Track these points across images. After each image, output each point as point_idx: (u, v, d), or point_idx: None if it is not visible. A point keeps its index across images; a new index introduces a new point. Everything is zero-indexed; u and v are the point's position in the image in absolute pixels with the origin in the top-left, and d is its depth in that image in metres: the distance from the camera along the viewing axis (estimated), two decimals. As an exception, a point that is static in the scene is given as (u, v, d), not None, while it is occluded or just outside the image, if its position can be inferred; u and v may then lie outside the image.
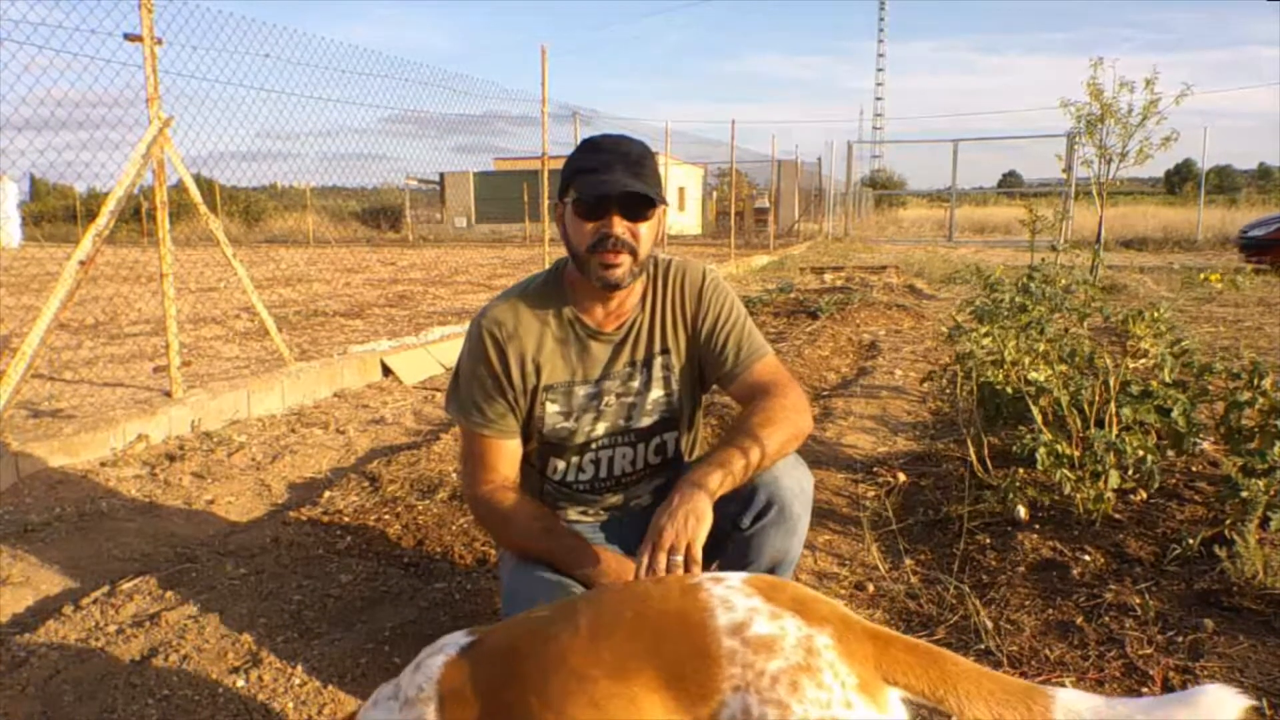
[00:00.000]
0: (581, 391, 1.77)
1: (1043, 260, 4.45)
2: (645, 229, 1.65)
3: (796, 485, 1.69)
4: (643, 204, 1.62)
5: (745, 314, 1.84)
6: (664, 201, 1.66)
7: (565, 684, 1.05)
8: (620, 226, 1.61)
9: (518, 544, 1.70)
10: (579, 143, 1.72)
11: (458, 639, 1.21)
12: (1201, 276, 3.50)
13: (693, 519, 1.41)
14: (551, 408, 1.76)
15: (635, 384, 1.79)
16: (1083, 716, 0.98)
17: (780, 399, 1.68)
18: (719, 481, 1.49)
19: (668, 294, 1.80)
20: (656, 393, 1.81)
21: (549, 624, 1.15)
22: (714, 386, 1.89)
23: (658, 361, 1.80)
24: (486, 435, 1.74)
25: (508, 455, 1.76)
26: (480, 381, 1.73)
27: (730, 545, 1.71)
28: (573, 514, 1.88)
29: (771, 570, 1.74)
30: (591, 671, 1.04)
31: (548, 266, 1.87)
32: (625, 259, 1.63)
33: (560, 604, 1.25)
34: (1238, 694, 0.96)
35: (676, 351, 1.81)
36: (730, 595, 1.06)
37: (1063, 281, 3.90)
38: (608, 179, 1.59)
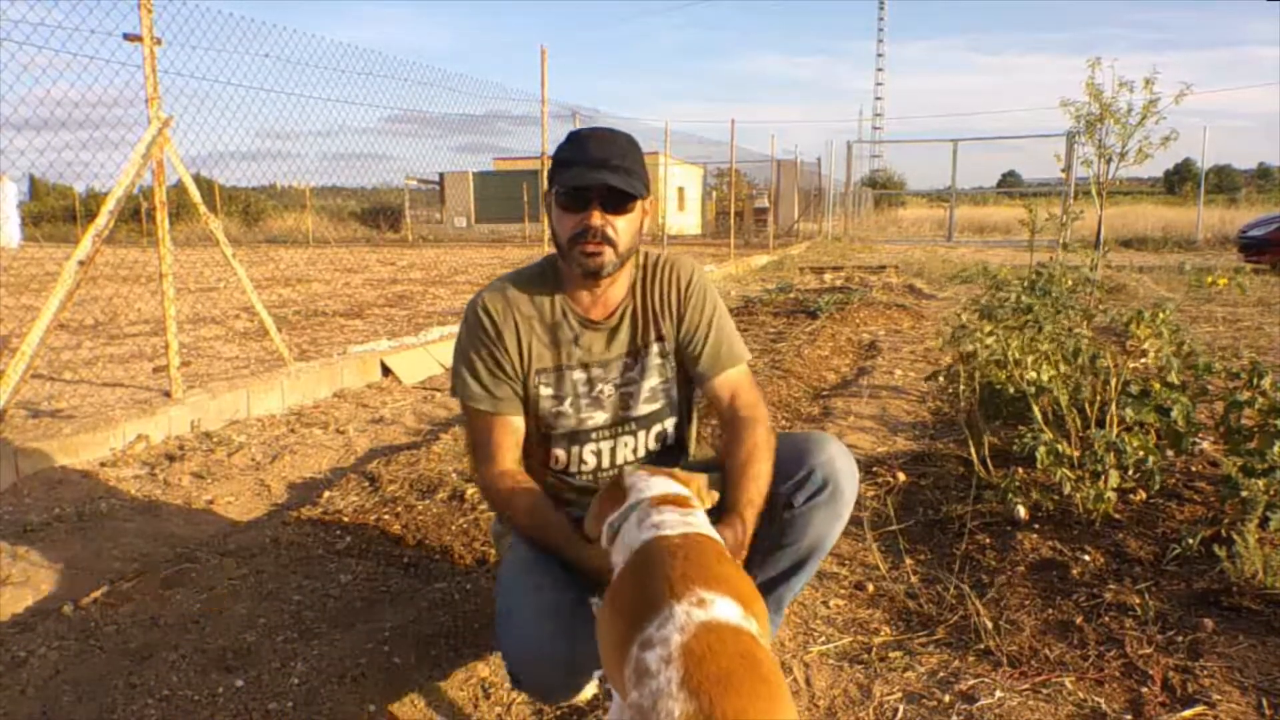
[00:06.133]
0: (572, 376, 1.79)
1: (1050, 259, 4.46)
2: (625, 221, 1.67)
3: (849, 469, 1.74)
4: (622, 197, 1.65)
5: (727, 316, 1.88)
6: (643, 195, 1.67)
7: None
8: (599, 219, 1.64)
9: (518, 526, 1.72)
10: (567, 135, 1.73)
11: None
12: (1210, 280, 3.50)
13: None
14: (545, 391, 1.78)
15: (631, 373, 1.81)
16: None
17: (755, 433, 1.72)
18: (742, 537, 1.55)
19: (657, 284, 1.83)
20: (653, 380, 1.83)
21: None
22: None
23: (653, 349, 1.82)
24: (485, 411, 1.76)
25: (510, 433, 1.77)
26: (480, 359, 1.75)
27: (773, 525, 1.71)
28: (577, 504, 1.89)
29: (809, 555, 1.74)
30: None
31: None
32: (606, 249, 1.66)
33: None
34: None
35: (670, 339, 1.83)
36: None
37: (1068, 282, 3.90)
38: (586, 172, 1.62)
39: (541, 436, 1.83)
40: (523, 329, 1.76)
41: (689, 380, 1.90)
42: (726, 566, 1.23)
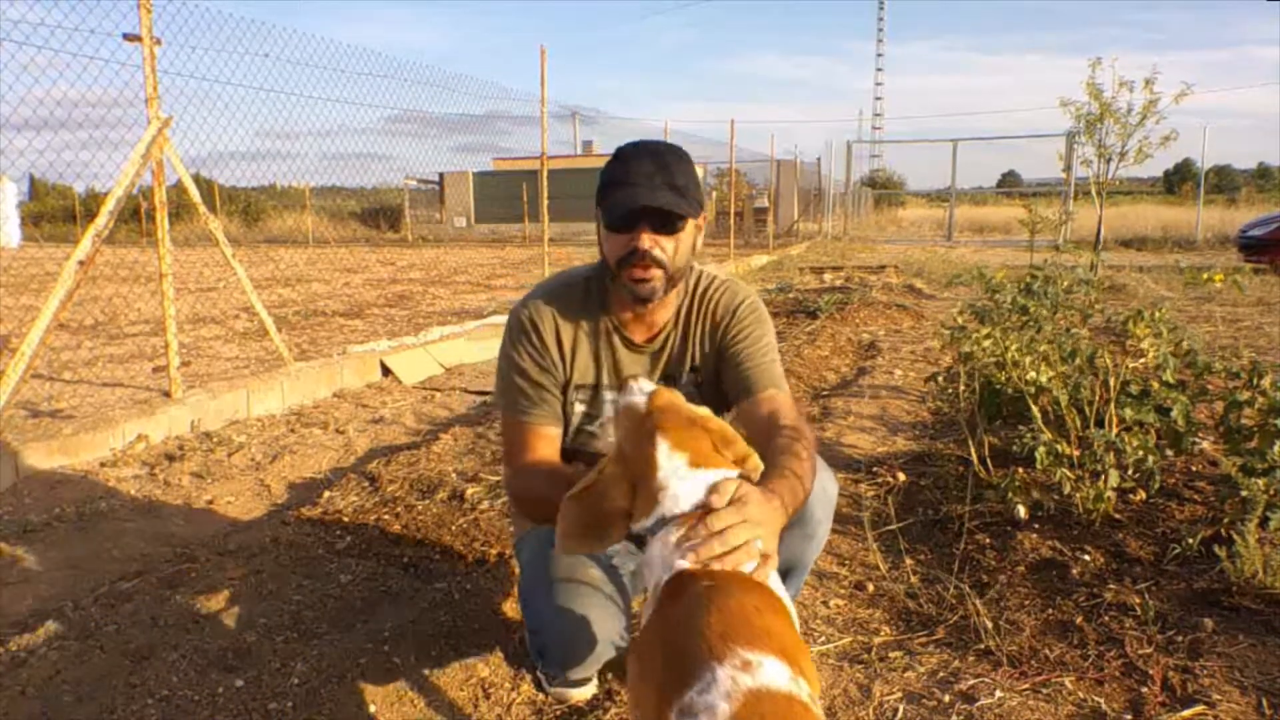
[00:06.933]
0: (608, 397, 1.75)
1: (1045, 260, 4.46)
2: (674, 242, 1.60)
3: (820, 490, 1.65)
4: (671, 216, 1.57)
5: (774, 345, 1.80)
6: (693, 214, 1.59)
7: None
8: (648, 240, 1.56)
9: (540, 504, 1.57)
10: (614, 151, 1.65)
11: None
12: (1205, 277, 3.49)
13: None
14: (579, 408, 1.76)
15: None
16: None
17: (801, 444, 1.50)
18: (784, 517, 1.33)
19: (703, 310, 1.77)
20: None
21: None
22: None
23: (686, 379, 1.78)
24: (524, 420, 1.71)
25: (546, 441, 1.71)
26: (521, 367, 1.71)
27: None
28: None
29: (785, 573, 1.73)
30: None
31: (574, 265, 1.85)
32: (656, 273, 1.59)
33: None
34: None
35: (705, 369, 1.79)
36: None
37: (1065, 282, 3.91)
38: (633, 193, 1.54)
39: (566, 455, 1.78)
40: (565, 339, 1.71)
41: (721, 413, 1.87)
42: (767, 616, 1.08)
